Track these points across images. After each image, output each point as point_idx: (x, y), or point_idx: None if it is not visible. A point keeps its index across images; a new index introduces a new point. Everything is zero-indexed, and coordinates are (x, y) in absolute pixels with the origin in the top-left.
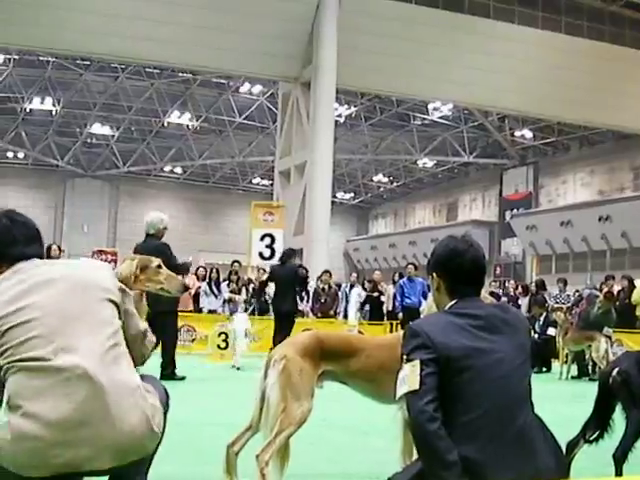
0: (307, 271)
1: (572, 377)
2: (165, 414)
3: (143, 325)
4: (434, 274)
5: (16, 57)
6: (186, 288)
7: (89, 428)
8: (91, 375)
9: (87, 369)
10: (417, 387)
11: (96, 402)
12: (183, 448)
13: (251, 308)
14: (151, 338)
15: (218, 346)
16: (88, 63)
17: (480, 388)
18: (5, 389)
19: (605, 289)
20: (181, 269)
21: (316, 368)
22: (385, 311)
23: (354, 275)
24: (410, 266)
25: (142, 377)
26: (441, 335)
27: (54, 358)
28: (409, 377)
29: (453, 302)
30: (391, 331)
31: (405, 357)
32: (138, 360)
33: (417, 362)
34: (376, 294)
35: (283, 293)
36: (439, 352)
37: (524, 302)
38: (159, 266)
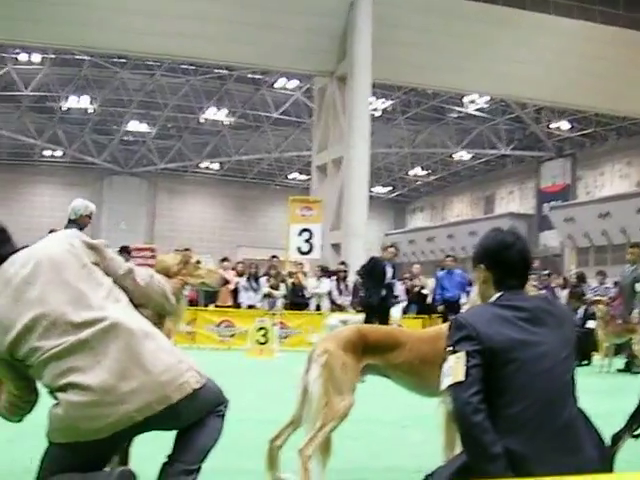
0: (345, 265)
1: (618, 370)
2: (222, 415)
3: (127, 265)
4: (481, 266)
5: (52, 56)
6: (225, 282)
7: (130, 381)
8: (114, 332)
9: (108, 329)
10: (462, 379)
11: (125, 354)
12: (225, 443)
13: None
14: (144, 275)
15: (257, 341)
16: (124, 61)
17: (525, 381)
18: (43, 380)
19: None
20: None
21: (358, 362)
22: (426, 304)
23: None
24: (448, 258)
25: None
26: (486, 327)
27: (72, 337)
28: (454, 369)
29: (499, 294)
30: (431, 325)
31: (450, 349)
32: (142, 300)
33: (462, 354)
34: (417, 288)
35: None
36: (484, 344)
37: (563, 295)
38: (198, 262)
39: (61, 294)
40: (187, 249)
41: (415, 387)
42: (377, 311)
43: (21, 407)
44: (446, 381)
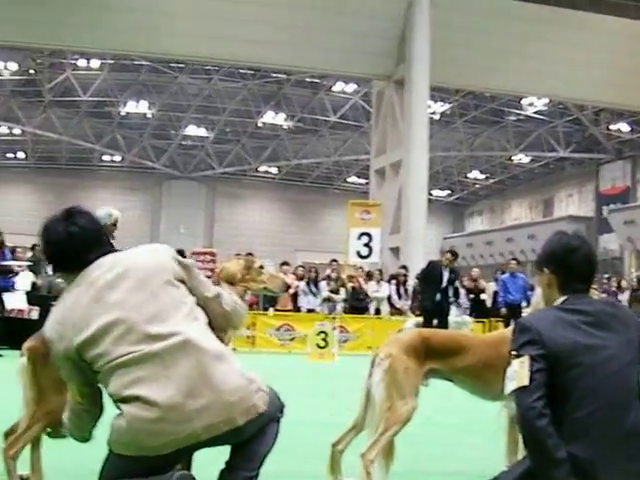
0: (406, 269)
1: None
2: (278, 420)
3: (215, 289)
4: (546, 269)
5: (111, 62)
6: (288, 287)
7: (198, 399)
8: (187, 350)
9: (181, 345)
10: (526, 383)
11: (197, 373)
12: (286, 447)
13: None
14: (229, 299)
15: (317, 345)
16: (182, 66)
17: (589, 385)
18: (109, 388)
19: None
20: None
21: (421, 366)
22: (485, 308)
23: None
24: (512, 262)
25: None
26: (551, 331)
27: (145, 347)
28: (518, 373)
29: (563, 298)
30: (490, 329)
31: (514, 353)
32: (222, 324)
33: (526, 358)
34: (476, 292)
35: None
36: (548, 348)
37: (623, 298)
38: (261, 266)
39: (141, 303)
40: (249, 254)
41: (478, 391)
42: (433, 315)
43: (84, 419)
44: (510, 385)
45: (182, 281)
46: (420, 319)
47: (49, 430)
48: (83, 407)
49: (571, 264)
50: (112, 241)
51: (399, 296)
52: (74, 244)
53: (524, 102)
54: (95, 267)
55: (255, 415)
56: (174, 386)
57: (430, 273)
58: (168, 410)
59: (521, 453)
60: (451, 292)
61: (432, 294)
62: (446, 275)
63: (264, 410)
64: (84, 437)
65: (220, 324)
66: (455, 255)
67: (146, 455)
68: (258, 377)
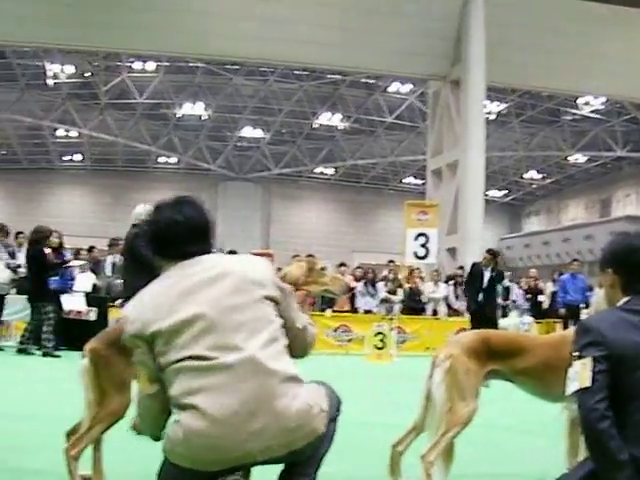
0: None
1: None
2: (335, 418)
3: (305, 319)
4: (609, 270)
5: (166, 64)
6: (350, 289)
7: (257, 421)
8: (257, 369)
9: (253, 364)
10: (588, 384)
11: (262, 394)
12: (344, 449)
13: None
14: (312, 331)
15: (375, 346)
16: (237, 68)
17: None
18: (171, 389)
19: None
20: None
21: (482, 367)
22: (543, 309)
23: (508, 274)
24: (575, 262)
25: (315, 382)
26: (613, 332)
27: (220, 356)
28: (580, 374)
29: (626, 299)
30: (548, 330)
31: (576, 354)
32: (298, 352)
33: (589, 359)
34: (534, 293)
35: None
36: (611, 349)
37: None
38: (323, 268)
39: (232, 310)
40: (310, 255)
41: (539, 392)
42: (478, 316)
43: (154, 413)
44: (572, 387)
45: (275, 301)
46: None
47: (132, 425)
48: (153, 398)
49: (634, 264)
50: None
51: (456, 297)
52: (177, 232)
53: (580, 101)
54: (194, 262)
55: (314, 438)
56: (237, 404)
57: (472, 274)
58: (226, 427)
59: (582, 455)
60: (500, 292)
61: (475, 295)
62: (487, 275)
63: (323, 431)
64: (156, 435)
65: (295, 352)
66: (494, 254)
67: (200, 470)
68: (320, 392)
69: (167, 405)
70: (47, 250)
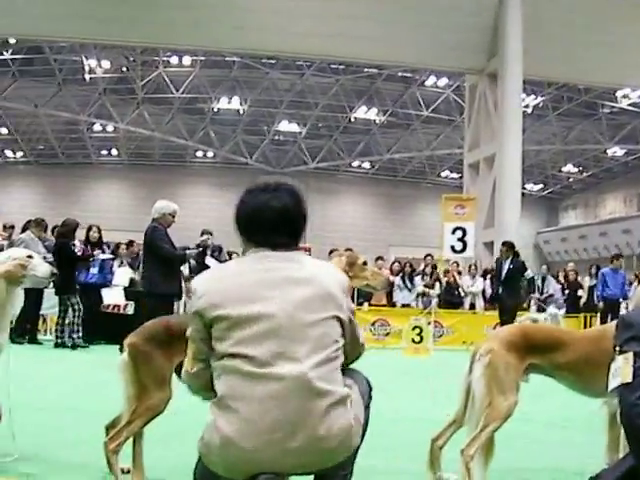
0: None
1: None
2: (367, 407)
3: (363, 338)
4: None
5: (202, 58)
6: (391, 284)
7: (297, 439)
8: (306, 387)
9: (304, 381)
10: (630, 380)
11: (306, 414)
12: (381, 442)
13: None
14: (363, 342)
15: (412, 340)
16: (273, 62)
17: None
18: (217, 382)
19: None
20: (167, 254)
21: (522, 362)
22: (581, 304)
23: (544, 268)
24: (619, 258)
25: (344, 371)
26: None
27: (275, 365)
28: (622, 369)
29: None
30: (586, 324)
31: (618, 349)
32: (351, 360)
33: (630, 354)
34: (573, 287)
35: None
36: None
37: None
38: (364, 263)
39: (304, 320)
40: (349, 249)
41: (579, 387)
42: (499, 307)
43: (194, 389)
44: (613, 382)
45: (343, 323)
46: (535, 314)
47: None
48: (194, 377)
49: None
50: (169, 231)
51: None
52: (269, 218)
53: (618, 94)
54: (280, 257)
55: (352, 452)
56: (280, 420)
57: (494, 268)
58: (264, 442)
59: (623, 451)
60: (525, 285)
61: (496, 288)
62: (505, 267)
63: (359, 444)
64: (205, 398)
65: (348, 361)
66: (508, 246)
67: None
68: (359, 400)
69: (210, 384)
70: (76, 243)
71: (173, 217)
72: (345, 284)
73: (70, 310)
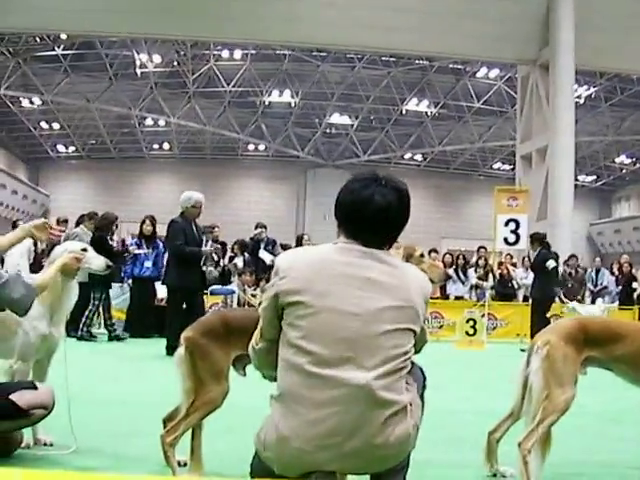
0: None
1: None
2: (422, 396)
3: (427, 332)
4: None
5: (253, 52)
6: (448, 277)
7: (353, 444)
8: (369, 396)
9: (367, 389)
10: None
11: (365, 423)
12: (436, 436)
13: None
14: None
15: (466, 332)
16: (324, 54)
17: None
18: (281, 375)
19: None
20: (175, 251)
21: (579, 354)
22: (636, 296)
23: (598, 260)
24: None
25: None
26: None
27: (341, 368)
28: None
29: None
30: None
31: None
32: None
33: None
34: (627, 279)
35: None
36: None
37: None
38: (422, 255)
39: (376, 329)
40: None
41: (637, 379)
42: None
43: (257, 364)
44: None
45: (415, 332)
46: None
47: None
48: (258, 352)
49: None
50: (196, 222)
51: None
52: (368, 211)
53: None
54: (370, 256)
55: (407, 455)
56: (339, 424)
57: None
58: (321, 445)
59: None
60: (553, 275)
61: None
62: (532, 258)
63: (414, 446)
64: (267, 377)
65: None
66: (534, 237)
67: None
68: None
69: (273, 364)
70: (115, 237)
71: (197, 208)
72: (428, 293)
73: (91, 304)
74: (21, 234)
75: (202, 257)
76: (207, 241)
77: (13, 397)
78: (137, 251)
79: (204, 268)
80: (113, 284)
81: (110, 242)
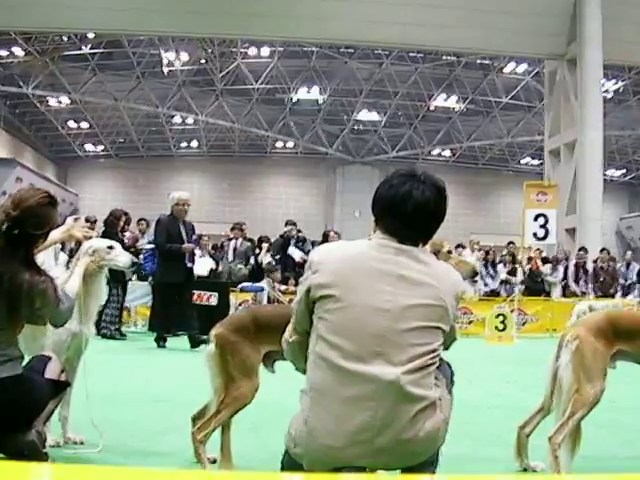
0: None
1: None
2: (450, 391)
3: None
4: None
5: (280, 49)
6: (475, 274)
7: (383, 440)
8: (398, 392)
9: (396, 385)
10: None
11: (394, 418)
12: (467, 430)
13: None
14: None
15: (496, 328)
16: (352, 51)
17: None
18: (311, 370)
19: None
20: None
21: (609, 348)
22: None
23: (629, 253)
24: None
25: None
26: None
27: (370, 363)
28: None
29: None
30: None
31: None
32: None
33: None
34: None
35: None
36: None
37: None
38: (449, 251)
39: (406, 326)
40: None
41: None
42: None
43: (289, 356)
44: None
45: (444, 332)
46: (594, 301)
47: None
48: (290, 345)
49: None
50: (184, 221)
51: (576, 279)
52: (406, 207)
53: None
54: (405, 253)
55: (437, 449)
56: (369, 420)
57: None
58: (350, 441)
59: None
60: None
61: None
62: None
63: (444, 441)
64: (298, 368)
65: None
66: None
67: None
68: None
69: (305, 357)
70: (127, 234)
71: (181, 206)
72: (460, 292)
73: (110, 301)
74: (59, 237)
75: (184, 254)
76: (195, 239)
77: (47, 375)
78: (147, 246)
79: (189, 265)
80: (137, 283)
81: (120, 238)
